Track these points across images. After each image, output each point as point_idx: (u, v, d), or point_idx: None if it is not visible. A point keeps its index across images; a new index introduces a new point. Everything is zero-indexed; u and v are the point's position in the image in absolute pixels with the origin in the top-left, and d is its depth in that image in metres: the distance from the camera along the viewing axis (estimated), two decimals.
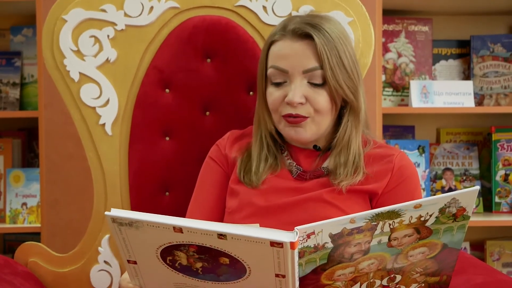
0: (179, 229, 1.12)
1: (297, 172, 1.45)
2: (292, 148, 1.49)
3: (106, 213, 1.16)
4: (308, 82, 1.40)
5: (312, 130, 1.42)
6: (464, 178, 2.57)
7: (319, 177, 1.43)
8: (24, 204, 2.41)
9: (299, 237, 1.09)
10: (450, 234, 1.17)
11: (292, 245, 1.07)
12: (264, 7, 1.65)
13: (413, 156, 2.46)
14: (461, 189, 2.54)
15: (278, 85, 1.42)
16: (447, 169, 2.58)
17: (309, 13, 1.54)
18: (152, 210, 1.66)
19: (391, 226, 1.13)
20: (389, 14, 2.52)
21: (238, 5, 1.66)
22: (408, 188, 1.42)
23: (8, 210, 2.40)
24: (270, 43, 1.45)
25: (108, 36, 1.65)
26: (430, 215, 1.14)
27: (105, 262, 1.67)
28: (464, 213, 1.16)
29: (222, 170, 1.52)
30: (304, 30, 1.40)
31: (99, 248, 1.67)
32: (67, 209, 2.12)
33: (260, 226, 1.38)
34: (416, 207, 1.13)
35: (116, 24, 1.65)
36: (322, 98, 1.40)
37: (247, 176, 1.45)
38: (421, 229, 1.15)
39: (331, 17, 1.47)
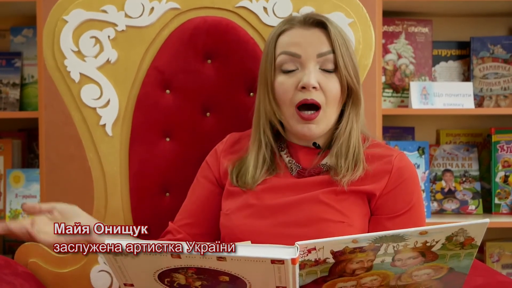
0: (177, 256, 1.11)
1: (296, 169, 1.45)
2: (291, 146, 1.48)
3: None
4: (320, 68, 1.41)
5: (324, 125, 1.42)
6: (464, 179, 2.57)
7: (318, 174, 1.43)
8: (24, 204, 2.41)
9: (299, 252, 1.08)
10: (457, 259, 1.15)
11: (293, 261, 1.07)
12: (265, 8, 1.66)
13: (413, 157, 2.46)
14: (460, 190, 2.55)
15: (289, 73, 1.42)
16: (447, 170, 2.58)
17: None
18: (152, 211, 1.67)
19: (395, 249, 1.11)
20: (389, 15, 2.52)
21: (239, 6, 1.66)
22: (407, 190, 1.41)
23: (8, 210, 2.41)
24: (278, 34, 1.45)
25: (108, 36, 1.65)
26: (437, 242, 1.12)
27: (105, 262, 1.67)
28: (472, 242, 1.13)
29: (213, 176, 1.52)
30: (315, 18, 1.44)
31: None
32: None
33: (258, 227, 1.38)
34: (422, 233, 1.10)
35: (116, 25, 1.65)
36: (333, 85, 1.41)
37: (241, 180, 1.45)
38: (426, 253, 1.13)
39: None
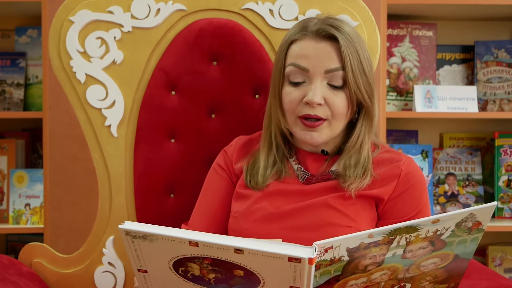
0: (195, 243, 1.10)
1: (304, 176, 1.44)
2: (300, 152, 1.48)
3: (120, 226, 1.15)
4: (328, 84, 1.39)
5: (327, 134, 1.41)
6: (467, 183, 2.57)
7: (327, 180, 1.43)
8: (28, 204, 2.41)
9: (317, 252, 1.08)
10: (463, 245, 1.18)
11: (311, 260, 1.07)
12: (271, 11, 1.66)
13: (416, 160, 2.46)
14: (463, 194, 2.55)
15: (296, 84, 1.41)
16: (450, 174, 2.58)
17: (326, 15, 1.48)
18: (156, 212, 1.67)
19: (407, 240, 1.13)
20: (393, 18, 2.53)
21: (245, 8, 1.66)
22: (415, 195, 1.41)
23: (11, 210, 2.41)
24: (290, 42, 1.43)
25: (114, 37, 1.65)
26: (447, 229, 1.14)
27: (109, 263, 1.67)
28: (479, 227, 1.16)
29: (228, 177, 1.52)
30: (328, 31, 1.39)
31: (104, 249, 1.67)
32: (70, 210, 2.12)
33: (266, 231, 1.38)
34: (434, 222, 1.12)
35: (123, 26, 1.65)
36: (340, 101, 1.39)
37: (253, 180, 1.45)
38: (435, 242, 1.15)
39: (345, 20, 1.47)
